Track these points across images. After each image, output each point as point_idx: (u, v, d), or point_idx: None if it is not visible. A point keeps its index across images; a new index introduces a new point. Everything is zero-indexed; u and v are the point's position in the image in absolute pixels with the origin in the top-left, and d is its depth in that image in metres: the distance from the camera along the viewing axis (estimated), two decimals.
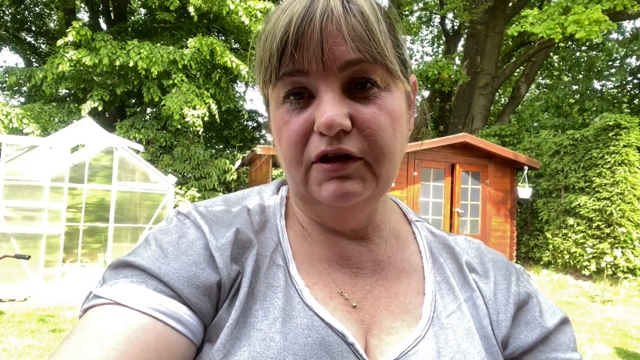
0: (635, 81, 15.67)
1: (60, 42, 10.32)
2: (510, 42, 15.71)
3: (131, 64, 10.32)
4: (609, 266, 8.02)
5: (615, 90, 16.35)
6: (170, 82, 11.12)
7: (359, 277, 0.59)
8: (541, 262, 9.60)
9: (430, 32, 21.78)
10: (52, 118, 11.48)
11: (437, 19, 19.84)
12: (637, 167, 8.24)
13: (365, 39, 0.48)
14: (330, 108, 0.47)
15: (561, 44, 13.87)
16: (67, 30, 10.37)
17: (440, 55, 19.30)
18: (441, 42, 21.03)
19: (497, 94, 16.53)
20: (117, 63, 10.33)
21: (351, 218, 0.58)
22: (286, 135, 0.51)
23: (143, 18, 15.89)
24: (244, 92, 19.23)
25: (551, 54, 15.89)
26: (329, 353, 0.49)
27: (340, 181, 0.49)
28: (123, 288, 0.47)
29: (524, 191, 8.92)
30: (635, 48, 14.14)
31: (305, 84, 0.50)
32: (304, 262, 0.57)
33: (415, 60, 21.85)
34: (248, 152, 11.70)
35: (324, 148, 0.48)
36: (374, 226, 0.61)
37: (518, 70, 14.97)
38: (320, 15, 0.47)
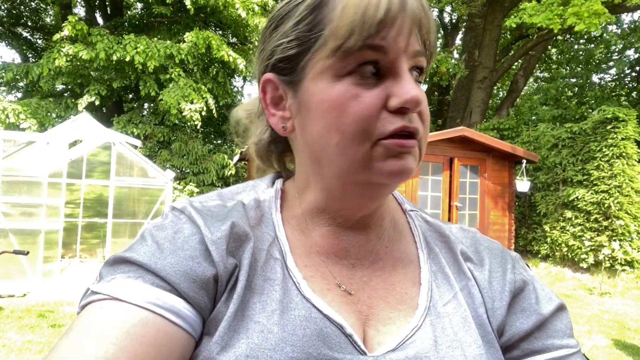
0: (634, 74, 15.67)
1: (56, 36, 10.27)
2: (508, 36, 15.68)
3: (128, 58, 10.27)
4: (606, 259, 8.06)
5: (614, 83, 16.35)
6: (167, 76, 11.08)
7: (357, 269, 0.59)
8: (539, 255, 9.64)
9: None
10: (49, 113, 11.44)
11: (435, 12, 19.77)
12: (635, 160, 8.25)
13: (433, 33, 0.52)
14: (413, 86, 0.49)
15: (559, 37, 13.84)
16: (63, 24, 10.31)
17: (439, 49, 19.26)
18: (439, 35, 20.98)
19: (495, 87, 16.51)
20: (114, 58, 10.27)
21: (374, 203, 0.58)
22: (357, 109, 0.49)
23: (140, 12, 15.80)
24: (242, 86, 19.14)
25: (549, 47, 15.86)
26: (327, 344, 0.49)
27: (405, 157, 0.51)
28: (120, 283, 0.47)
29: (522, 184, 8.94)
30: (634, 40, 14.12)
31: (379, 61, 0.50)
32: (302, 255, 0.57)
33: None
34: (246, 147, 11.67)
35: (404, 124, 0.49)
36: (379, 214, 0.62)
37: (516, 63, 14.95)
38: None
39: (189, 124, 11.51)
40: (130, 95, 14.80)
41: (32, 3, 15.82)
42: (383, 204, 0.61)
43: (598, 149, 8.52)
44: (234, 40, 14.68)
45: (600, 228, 8.37)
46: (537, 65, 16.19)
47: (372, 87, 0.49)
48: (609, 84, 16.47)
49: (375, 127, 0.49)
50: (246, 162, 12.92)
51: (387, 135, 0.49)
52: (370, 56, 0.49)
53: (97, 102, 11.24)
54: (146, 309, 0.46)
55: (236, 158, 12.56)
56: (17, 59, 17.63)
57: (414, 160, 0.51)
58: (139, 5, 16.33)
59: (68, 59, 10.34)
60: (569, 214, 8.89)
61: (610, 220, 8.21)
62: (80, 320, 0.46)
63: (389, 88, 0.49)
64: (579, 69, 16.55)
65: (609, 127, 8.40)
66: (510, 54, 15.00)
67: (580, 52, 16.67)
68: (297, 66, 0.54)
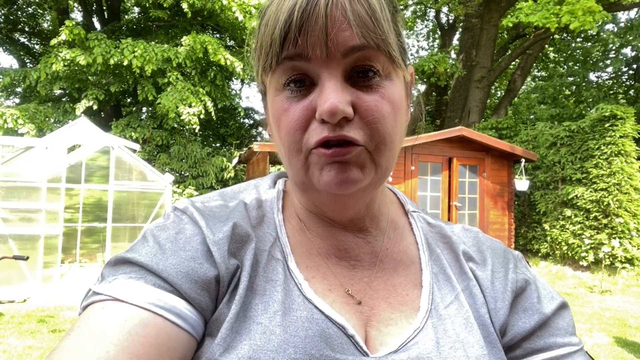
0: (631, 72, 15.69)
1: (53, 41, 10.26)
2: (505, 35, 15.71)
3: (125, 62, 10.27)
4: (606, 257, 8.06)
5: (611, 81, 16.37)
6: (165, 80, 11.08)
7: (357, 270, 0.59)
8: (539, 254, 9.64)
9: (426, 26, 21.75)
10: (47, 118, 11.43)
11: (432, 13, 19.81)
12: (634, 158, 8.27)
13: (370, 25, 0.47)
14: (333, 95, 0.46)
15: (556, 36, 13.87)
16: (60, 29, 10.31)
17: (436, 49, 19.30)
18: (436, 36, 21.00)
19: (493, 87, 16.53)
20: (112, 62, 10.27)
21: (350, 206, 0.57)
22: (286, 122, 0.50)
23: (137, 17, 15.80)
24: (240, 89, 19.15)
25: (546, 46, 15.89)
26: (330, 345, 0.49)
27: (341, 167, 0.49)
28: (122, 284, 0.47)
29: (521, 183, 8.94)
30: (631, 38, 14.14)
31: (306, 70, 0.49)
32: (303, 256, 0.57)
33: (411, 54, 21.81)
34: (245, 149, 11.68)
35: (326, 134, 0.48)
36: (372, 217, 0.61)
37: (514, 63, 14.96)
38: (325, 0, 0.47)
39: (187, 127, 11.51)
40: (129, 99, 14.81)
41: (30, 8, 15.81)
42: (373, 206, 0.61)
43: (596, 147, 8.53)
44: (232, 43, 14.69)
45: (599, 226, 8.38)
46: (534, 64, 16.22)
47: (300, 100, 0.50)
48: (607, 82, 16.49)
49: (305, 139, 0.49)
50: (245, 165, 12.90)
51: (315, 146, 0.49)
52: (295, 67, 0.49)
53: (95, 107, 11.23)
54: (147, 309, 0.46)
55: (235, 161, 12.55)
56: (15, 65, 17.62)
57: (357, 169, 0.49)
58: (136, 9, 16.34)
59: (65, 64, 10.34)
60: (568, 212, 8.90)
61: (609, 218, 8.22)
62: (82, 321, 0.46)
63: (315, 99, 0.49)
64: (576, 67, 16.55)
65: (607, 125, 8.41)
66: (507, 54, 15.02)
67: (578, 51, 16.69)
68: (264, 79, 0.55)
